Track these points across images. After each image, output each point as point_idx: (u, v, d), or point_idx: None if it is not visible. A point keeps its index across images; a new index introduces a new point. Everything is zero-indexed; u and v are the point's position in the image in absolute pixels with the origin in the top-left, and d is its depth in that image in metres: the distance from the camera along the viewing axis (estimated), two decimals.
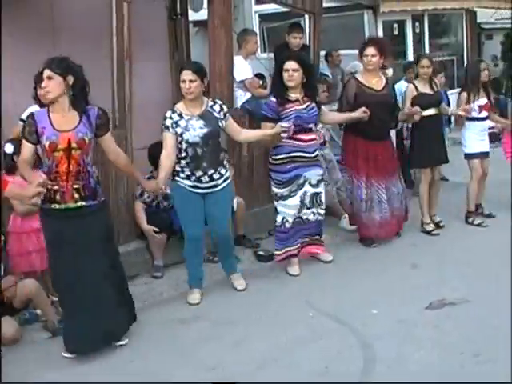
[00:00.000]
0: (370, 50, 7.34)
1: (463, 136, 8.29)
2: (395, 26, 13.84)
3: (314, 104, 6.71)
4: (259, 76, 9.31)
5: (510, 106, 9.88)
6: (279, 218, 6.74)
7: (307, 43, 9.16)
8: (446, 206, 8.45)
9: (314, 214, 6.80)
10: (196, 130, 5.88)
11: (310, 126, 6.64)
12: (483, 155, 8.23)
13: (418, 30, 14.39)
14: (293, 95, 6.62)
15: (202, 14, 8.94)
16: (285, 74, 6.57)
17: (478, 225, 8.13)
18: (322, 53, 10.31)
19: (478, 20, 17.31)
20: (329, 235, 7.61)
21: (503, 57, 18.30)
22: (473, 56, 16.23)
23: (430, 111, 7.89)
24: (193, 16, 9.87)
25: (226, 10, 7.74)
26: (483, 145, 8.24)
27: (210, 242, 6.75)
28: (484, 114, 8.18)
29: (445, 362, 4.84)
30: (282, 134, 6.34)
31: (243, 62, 8.16)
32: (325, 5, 11.06)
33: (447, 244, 7.48)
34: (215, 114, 6.01)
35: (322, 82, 8.88)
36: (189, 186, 5.99)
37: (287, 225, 6.71)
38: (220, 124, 6.02)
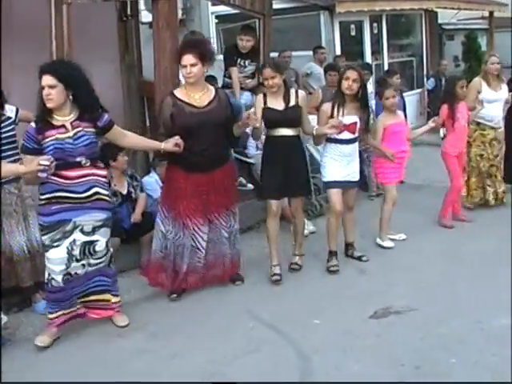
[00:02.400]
0: (188, 59, 5.88)
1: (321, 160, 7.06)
2: (352, 26, 13.79)
3: (92, 130, 5.26)
4: (210, 78, 9.14)
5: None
6: (46, 274, 5.37)
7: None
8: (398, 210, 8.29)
9: (84, 266, 5.39)
10: None
11: (79, 159, 5.20)
12: (345, 185, 6.84)
13: (376, 31, 14.34)
14: (59, 118, 5.22)
15: None
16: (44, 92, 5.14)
17: (358, 258, 7.09)
18: (275, 54, 10.15)
19: (440, 21, 17.36)
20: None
21: (464, 57, 18.37)
22: (433, 57, 16.26)
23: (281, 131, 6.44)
24: (149, 17, 9.71)
25: (171, 11, 7.57)
26: (345, 172, 6.78)
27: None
28: (347, 135, 6.65)
29: (384, 374, 4.69)
30: (40, 174, 4.95)
31: None
32: (280, 6, 11.02)
33: (395, 249, 7.35)
34: None
35: None
36: None
37: (54, 283, 5.30)
38: None
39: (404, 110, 10.50)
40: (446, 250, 7.24)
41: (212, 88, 6.21)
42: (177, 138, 5.83)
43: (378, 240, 7.48)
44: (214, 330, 5.56)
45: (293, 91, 6.49)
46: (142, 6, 9.82)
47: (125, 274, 6.73)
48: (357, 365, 4.84)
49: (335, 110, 6.61)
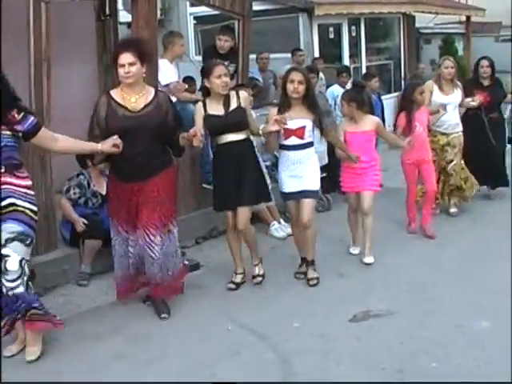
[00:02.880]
0: (126, 57, 5.51)
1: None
2: (331, 29, 13.75)
3: (7, 133, 4.80)
4: (188, 79, 9.10)
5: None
6: None
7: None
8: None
9: None
10: None
11: None
12: (300, 196, 6.40)
13: (354, 34, 14.33)
14: None
15: None
16: None
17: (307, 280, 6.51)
18: (253, 56, 10.13)
19: (417, 25, 17.37)
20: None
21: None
22: (410, 60, 16.29)
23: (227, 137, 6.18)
24: (127, 17, 9.65)
25: (151, 12, 7.49)
26: (298, 181, 6.36)
27: None
28: (295, 140, 6.30)
29: (365, 378, 4.67)
30: None
31: (168, 66, 7.95)
32: (259, 7, 10.99)
33: (375, 252, 7.18)
34: None
35: (251, 86, 8.73)
36: None
37: None
38: None
39: (382, 113, 10.52)
40: (425, 255, 7.25)
41: (152, 90, 5.78)
42: (115, 137, 5.45)
43: (351, 249, 7.36)
44: (193, 334, 5.48)
45: (233, 93, 6.23)
46: (120, 5, 9.76)
47: (103, 277, 6.68)
48: (337, 368, 4.81)
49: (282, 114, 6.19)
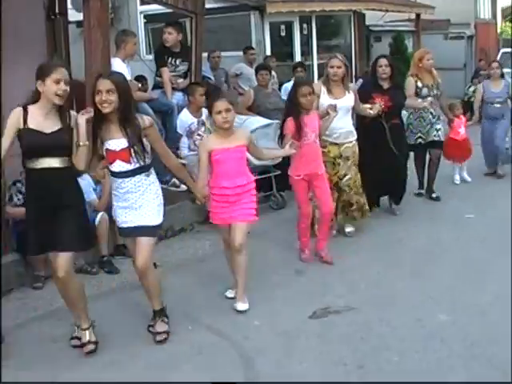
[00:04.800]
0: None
1: None
2: (282, 27, 13.79)
3: None
4: (140, 78, 9.03)
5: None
6: None
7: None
8: None
9: None
10: None
11: None
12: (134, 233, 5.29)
13: (305, 32, 14.38)
14: None
15: None
16: None
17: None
18: (205, 54, 10.10)
19: (367, 22, 17.53)
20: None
21: (392, 59, 18.53)
22: (361, 58, 16.39)
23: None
24: (76, 16, 9.53)
25: (103, 10, 7.41)
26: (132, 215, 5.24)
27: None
28: (121, 165, 5.08)
29: (328, 375, 4.65)
30: None
31: (121, 65, 7.85)
32: (211, 5, 10.95)
33: (331, 248, 7.16)
34: None
35: (202, 84, 8.68)
36: None
37: None
38: None
39: None
40: (381, 250, 7.29)
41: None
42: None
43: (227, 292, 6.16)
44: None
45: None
46: (69, 4, 9.62)
47: None
48: (300, 365, 4.80)
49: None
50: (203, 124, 8.38)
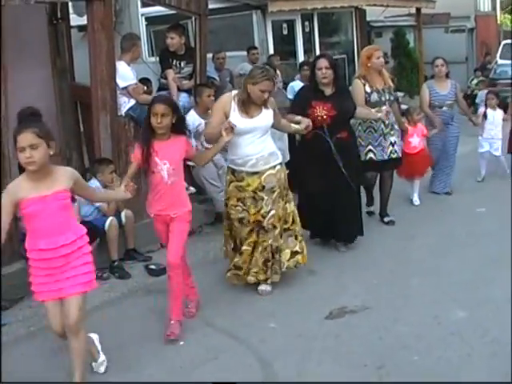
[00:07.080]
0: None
1: None
2: (285, 25, 13.77)
3: None
4: (145, 81, 8.98)
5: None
6: None
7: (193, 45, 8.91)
8: None
9: None
10: None
11: None
12: None
13: (307, 30, 14.34)
14: None
15: None
16: None
17: None
18: (209, 55, 10.04)
19: (368, 18, 17.45)
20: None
21: (393, 54, 18.56)
22: None
23: None
24: (78, 21, 9.48)
25: (107, 14, 7.35)
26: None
27: None
28: None
29: (348, 376, 4.59)
30: None
31: (127, 68, 7.79)
32: (213, 6, 10.87)
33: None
34: None
35: (208, 85, 8.63)
36: None
37: None
38: None
39: None
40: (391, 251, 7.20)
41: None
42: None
43: None
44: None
45: None
46: (70, 9, 9.58)
47: None
48: (319, 367, 4.75)
49: None
50: None
